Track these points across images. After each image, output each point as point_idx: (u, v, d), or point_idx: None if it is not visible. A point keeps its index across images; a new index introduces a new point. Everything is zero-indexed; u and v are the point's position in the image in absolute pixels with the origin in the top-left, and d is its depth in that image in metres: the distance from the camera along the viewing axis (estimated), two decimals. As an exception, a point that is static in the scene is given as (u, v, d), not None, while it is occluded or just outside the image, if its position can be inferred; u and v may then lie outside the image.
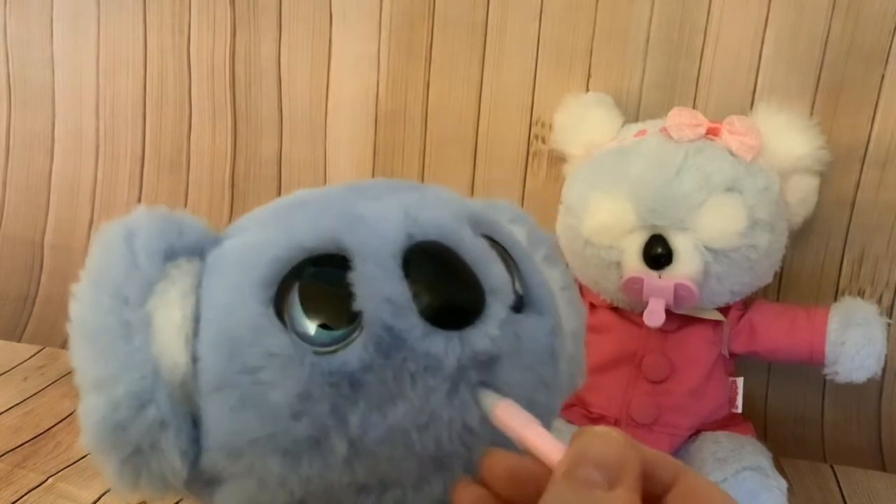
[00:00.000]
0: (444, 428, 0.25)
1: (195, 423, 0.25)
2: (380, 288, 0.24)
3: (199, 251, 0.27)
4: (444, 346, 0.24)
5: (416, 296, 0.24)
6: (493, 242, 0.28)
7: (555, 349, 0.29)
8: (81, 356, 0.25)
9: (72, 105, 0.89)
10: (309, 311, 0.25)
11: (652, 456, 0.21)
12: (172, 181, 0.86)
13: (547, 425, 0.29)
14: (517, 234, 0.32)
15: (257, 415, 0.24)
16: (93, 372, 0.25)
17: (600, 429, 0.21)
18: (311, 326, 0.24)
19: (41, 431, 0.64)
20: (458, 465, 0.26)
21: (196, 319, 0.26)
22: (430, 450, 0.25)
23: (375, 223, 0.25)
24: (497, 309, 0.25)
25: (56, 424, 0.65)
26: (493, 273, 0.25)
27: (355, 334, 0.24)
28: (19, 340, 0.87)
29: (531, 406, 0.27)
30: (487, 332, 0.24)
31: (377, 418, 0.24)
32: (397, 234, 0.25)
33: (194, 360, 0.25)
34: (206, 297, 0.26)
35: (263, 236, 0.27)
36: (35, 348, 0.80)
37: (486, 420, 0.25)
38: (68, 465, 0.59)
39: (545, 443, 0.22)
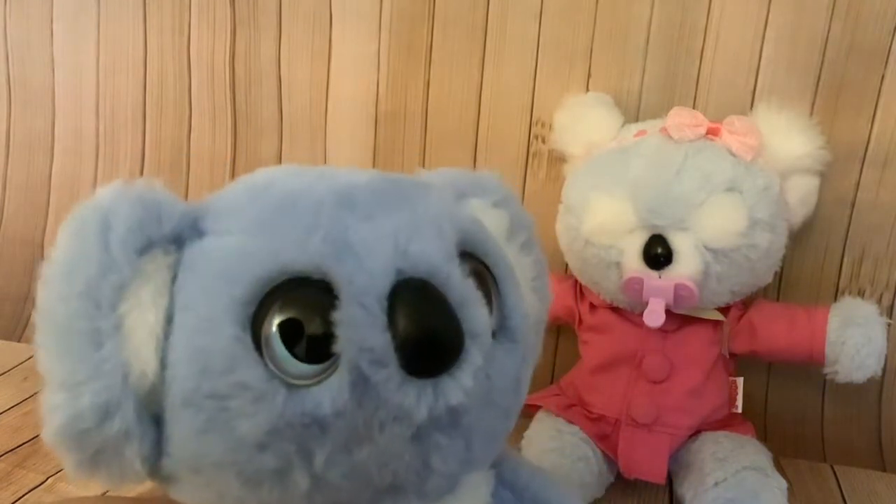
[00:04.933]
0: (403, 466, 0.25)
1: (158, 422, 0.25)
2: (362, 336, 0.23)
3: (176, 239, 0.26)
4: (417, 398, 0.24)
5: (395, 339, 0.23)
6: (479, 262, 0.28)
7: (521, 378, 0.29)
8: (46, 353, 0.25)
9: (72, 105, 0.89)
10: (286, 340, 0.24)
11: None
12: (172, 181, 0.86)
13: (501, 444, 0.30)
14: (500, 218, 0.32)
15: (222, 441, 0.24)
16: (58, 371, 0.24)
17: None
18: (286, 356, 0.24)
19: (41, 431, 0.64)
20: (410, 491, 0.26)
21: (169, 319, 0.25)
22: (388, 482, 0.25)
23: (364, 256, 0.24)
24: (474, 355, 0.24)
25: (56, 424, 0.65)
26: (475, 317, 0.25)
27: (330, 370, 0.24)
28: (19, 340, 0.87)
29: (491, 434, 0.28)
30: (461, 384, 0.24)
31: (342, 458, 0.24)
32: (386, 270, 0.24)
33: (163, 365, 0.24)
34: (181, 299, 0.25)
35: (246, 247, 0.25)
36: (35, 348, 0.79)
37: (445, 459, 0.25)
38: (68, 465, 0.59)
39: None
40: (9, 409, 0.67)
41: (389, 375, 0.23)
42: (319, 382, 0.24)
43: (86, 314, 0.24)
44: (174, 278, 0.26)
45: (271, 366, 0.24)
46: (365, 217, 0.26)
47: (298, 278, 0.24)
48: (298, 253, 0.24)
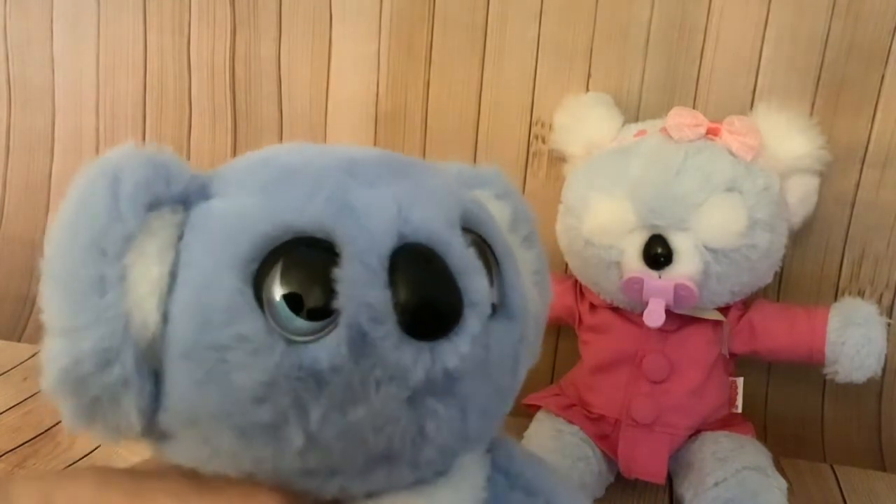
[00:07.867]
0: (397, 431, 0.25)
1: (156, 376, 0.25)
2: (362, 292, 0.24)
3: (183, 200, 0.26)
4: (414, 359, 0.24)
5: (395, 301, 0.24)
6: (480, 239, 0.28)
7: (518, 356, 0.29)
8: (51, 299, 0.25)
9: (72, 105, 0.89)
10: (288, 296, 0.24)
11: None
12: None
13: (495, 430, 0.30)
14: (502, 210, 0.32)
15: (219, 392, 0.24)
16: (60, 319, 0.24)
17: None
18: (287, 312, 0.24)
19: (41, 431, 0.64)
20: (404, 461, 0.26)
21: (173, 275, 0.25)
22: (381, 448, 0.25)
23: (366, 217, 0.25)
24: (473, 323, 0.25)
25: (56, 424, 0.65)
26: (475, 286, 0.25)
27: (330, 327, 0.24)
28: (19, 340, 0.87)
29: (486, 410, 0.28)
30: (458, 349, 0.24)
31: (337, 416, 0.24)
32: (388, 232, 0.25)
33: (165, 319, 0.25)
34: (186, 256, 0.25)
35: (251, 207, 0.26)
36: (35, 348, 0.79)
37: (440, 427, 0.25)
38: (68, 465, 0.59)
39: None
40: (9, 409, 0.67)
41: (387, 333, 0.24)
42: (318, 339, 0.24)
43: (91, 261, 0.24)
44: (181, 237, 0.26)
45: (272, 321, 0.24)
46: (368, 184, 0.26)
47: (301, 237, 0.25)
48: (301, 212, 0.25)
